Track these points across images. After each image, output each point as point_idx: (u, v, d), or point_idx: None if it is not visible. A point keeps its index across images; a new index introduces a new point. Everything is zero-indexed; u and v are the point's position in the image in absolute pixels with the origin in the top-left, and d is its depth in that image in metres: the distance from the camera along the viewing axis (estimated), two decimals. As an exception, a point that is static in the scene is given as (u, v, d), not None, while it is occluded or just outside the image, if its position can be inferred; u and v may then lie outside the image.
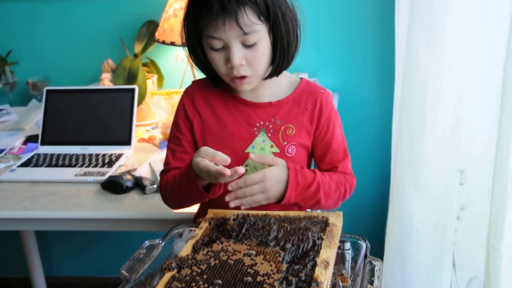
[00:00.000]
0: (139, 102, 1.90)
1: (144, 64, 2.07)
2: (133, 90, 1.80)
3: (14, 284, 2.55)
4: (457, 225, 1.48)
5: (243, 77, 1.08)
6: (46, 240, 2.46)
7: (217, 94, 1.18)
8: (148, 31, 2.06)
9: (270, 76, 1.13)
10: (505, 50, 1.27)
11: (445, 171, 1.45)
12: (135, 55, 2.04)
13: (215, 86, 1.18)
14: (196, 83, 1.22)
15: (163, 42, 1.89)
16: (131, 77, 1.93)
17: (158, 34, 1.93)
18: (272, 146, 1.14)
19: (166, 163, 1.20)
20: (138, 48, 2.05)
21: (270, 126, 1.14)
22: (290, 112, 1.15)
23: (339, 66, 2.09)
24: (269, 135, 1.14)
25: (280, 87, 1.18)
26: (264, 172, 1.06)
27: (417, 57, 1.44)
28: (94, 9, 2.16)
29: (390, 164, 1.88)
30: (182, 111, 1.19)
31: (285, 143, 1.14)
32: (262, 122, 1.15)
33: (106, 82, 1.98)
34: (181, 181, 1.09)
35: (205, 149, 1.02)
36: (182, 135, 1.18)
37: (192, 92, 1.20)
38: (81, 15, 2.17)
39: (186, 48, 1.13)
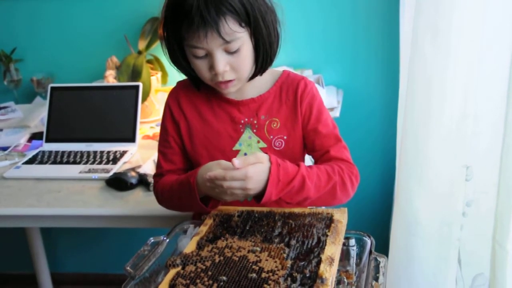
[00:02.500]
0: (144, 99, 1.90)
1: (148, 61, 2.07)
2: (137, 87, 1.80)
3: (20, 280, 2.56)
4: (462, 221, 1.47)
5: (228, 81, 1.08)
6: (51, 237, 2.47)
7: (201, 94, 1.18)
8: (152, 28, 2.05)
9: (254, 76, 1.13)
10: (511, 46, 1.27)
11: (450, 167, 1.45)
12: (139, 52, 2.04)
13: (197, 89, 1.18)
14: (180, 84, 1.23)
15: (167, 39, 1.88)
16: (135, 74, 1.93)
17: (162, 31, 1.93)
18: (258, 142, 1.14)
19: (159, 166, 1.21)
20: (142, 45, 2.05)
21: (255, 122, 1.15)
22: (272, 105, 1.15)
23: (344, 63, 2.08)
24: (254, 131, 1.15)
25: (262, 82, 1.17)
26: (246, 172, 0.97)
27: (423, 53, 1.43)
28: (98, 6, 2.16)
29: (395, 160, 1.88)
30: (168, 113, 1.20)
31: (271, 137, 1.14)
32: (246, 119, 1.15)
33: (111, 79, 1.98)
34: (181, 191, 1.08)
35: (225, 164, 1.00)
36: (171, 137, 1.19)
37: (177, 93, 1.21)
38: (85, 12, 2.17)
39: (167, 54, 1.12)
